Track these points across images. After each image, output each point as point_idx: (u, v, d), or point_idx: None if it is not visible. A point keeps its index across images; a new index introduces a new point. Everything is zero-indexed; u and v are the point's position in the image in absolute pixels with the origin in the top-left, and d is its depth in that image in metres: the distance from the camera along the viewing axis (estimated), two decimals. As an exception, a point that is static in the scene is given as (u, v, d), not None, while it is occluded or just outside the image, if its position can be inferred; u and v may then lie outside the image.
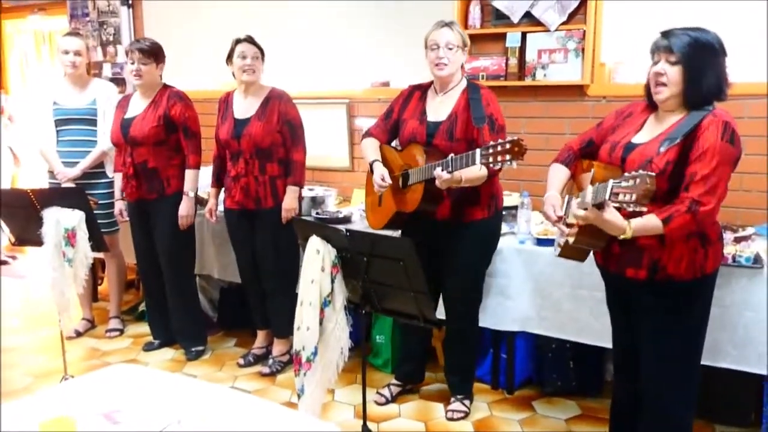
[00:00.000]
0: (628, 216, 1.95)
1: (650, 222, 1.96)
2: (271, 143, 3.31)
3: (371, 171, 2.92)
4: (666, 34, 2.03)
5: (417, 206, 2.77)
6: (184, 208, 3.53)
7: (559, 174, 2.35)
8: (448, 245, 2.89)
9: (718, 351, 2.65)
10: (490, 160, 2.38)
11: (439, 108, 2.84)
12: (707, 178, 1.94)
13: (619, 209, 1.93)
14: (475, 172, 2.63)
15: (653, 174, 1.79)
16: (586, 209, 1.98)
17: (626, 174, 1.83)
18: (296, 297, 3.40)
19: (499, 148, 2.35)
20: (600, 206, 1.91)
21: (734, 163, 2.01)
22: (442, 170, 2.53)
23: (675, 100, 2.06)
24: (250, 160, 3.33)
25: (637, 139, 2.13)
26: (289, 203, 3.34)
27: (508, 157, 2.34)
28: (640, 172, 1.79)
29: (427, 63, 2.81)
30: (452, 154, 2.54)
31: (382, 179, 2.82)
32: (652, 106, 2.16)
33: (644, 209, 1.83)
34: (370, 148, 2.99)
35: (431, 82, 2.93)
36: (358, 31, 4.15)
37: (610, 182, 1.84)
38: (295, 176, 3.35)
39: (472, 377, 3.16)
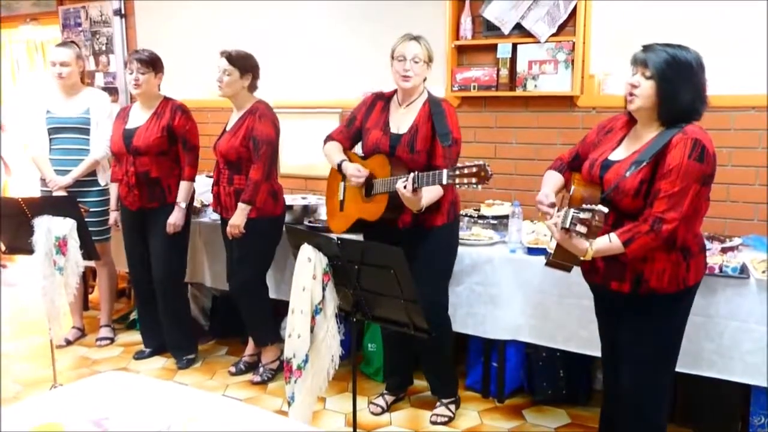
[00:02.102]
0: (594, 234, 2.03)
1: (611, 244, 2.03)
2: (237, 157, 3.31)
3: (339, 171, 2.97)
4: (646, 49, 2.08)
5: (380, 216, 2.83)
6: (174, 217, 3.55)
7: (553, 178, 2.41)
8: (411, 252, 2.90)
9: (704, 360, 2.67)
10: (456, 181, 2.44)
11: (402, 120, 2.90)
12: (672, 195, 1.98)
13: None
14: (434, 192, 2.72)
15: (605, 211, 1.89)
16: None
17: (584, 206, 1.93)
18: (270, 306, 3.46)
19: (465, 171, 2.42)
20: (566, 230, 1.99)
21: (705, 179, 2.03)
22: (405, 186, 2.57)
23: (647, 114, 2.10)
24: (222, 170, 3.39)
25: (613, 156, 2.18)
26: (234, 219, 3.28)
27: (473, 180, 2.40)
28: (596, 207, 1.89)
29: (392, 74, 2.87)
30: (417, 171, 2.59)
31: (359, 170, 2.86)
32: (631, 120, 2.21)
33: (593, 240, 1.96)
34: (335, 151, 3.03)
35: (394, 92, 3.00)
36: (351, 41, 4.18)
37: (571, 212, 1.94)
38: (245, 193, 3.26)
39: (454, 381, 3.17)
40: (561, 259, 2.18)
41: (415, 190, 2.57)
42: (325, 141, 3.11)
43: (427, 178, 2.55)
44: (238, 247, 3.37)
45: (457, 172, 2.42)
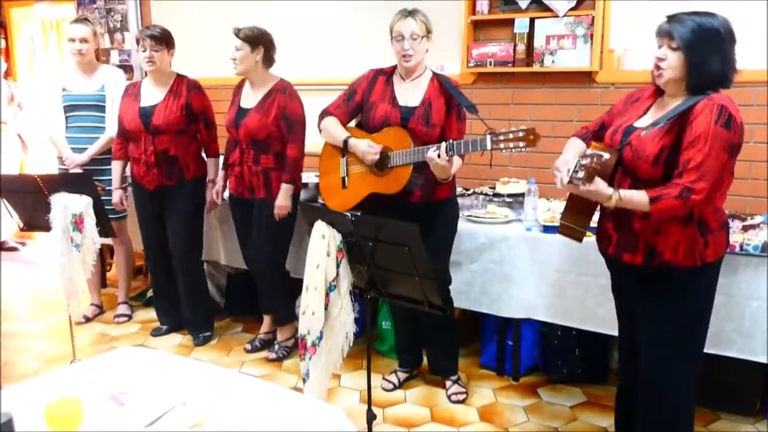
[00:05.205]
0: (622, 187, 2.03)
1: (638, 196, 1.99)
2: (267, 136, 3.30)
3: (346, 148, 2.91)
4: (671, 19, 2.03)
5: (401, 188, 2.79)
6: (211, 194, 3.61)
7: (575, 145, 2.37)
8: (424, 227, 2.88)
9: (724, 339, 2.64)
10: (502, 146, 2.42)
11: (410, 94, 2.88)
12: (700, 165, 1.93)
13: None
14: (459, 163, 2.75)
15: (606, 156, 1.88)
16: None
17: (588, 151, 1.91)
18: (289, 285, 3.45)
19: (511, 136, 2.40)
20: (571, 181, 1.95)
21: (731, 148, 1.98)
22: (439, 154, 2.56)
23: (676, 85, 2.06)
24: (246, 149, 3.34)
25: (638, 123, 2.14)
26: (281, 201, 3.31)
27: (521, 144, 2.39)
28: (598, 152, 1.87)
29: (393, 53, 2.85)
30: (451, 140, 2.59)
31: (370, 146, 2.82)
32: (659, 91, 2.16)
33: (589, 186, 1.93)
34: (337, 127, 2.97)
35: (394, 67, 2.97)
36: (366, 18, 4.13)
37: (577, 158, 1.92)
38: (288, 173, 3.29)
39: (456, 356, 3.19)
40: (568, 221, 2.17)
41: (449, 158, 2.57)
42: (321, 116, 3.03)
43: (465, 146, 2.54)
44: (266, 226, 3.37)
45: (502, 137, 2.42)
